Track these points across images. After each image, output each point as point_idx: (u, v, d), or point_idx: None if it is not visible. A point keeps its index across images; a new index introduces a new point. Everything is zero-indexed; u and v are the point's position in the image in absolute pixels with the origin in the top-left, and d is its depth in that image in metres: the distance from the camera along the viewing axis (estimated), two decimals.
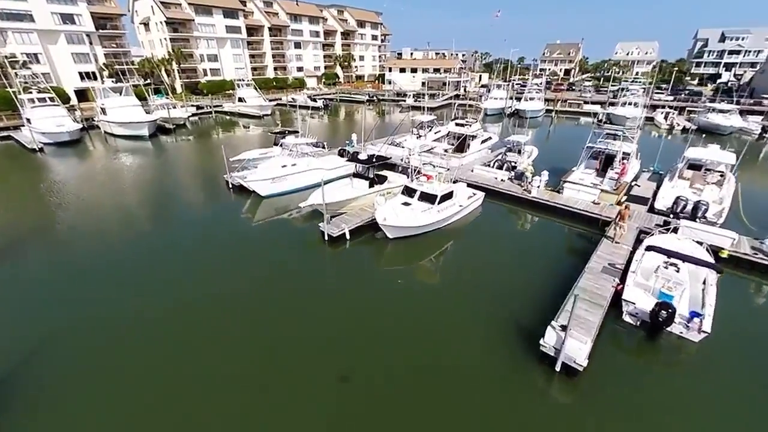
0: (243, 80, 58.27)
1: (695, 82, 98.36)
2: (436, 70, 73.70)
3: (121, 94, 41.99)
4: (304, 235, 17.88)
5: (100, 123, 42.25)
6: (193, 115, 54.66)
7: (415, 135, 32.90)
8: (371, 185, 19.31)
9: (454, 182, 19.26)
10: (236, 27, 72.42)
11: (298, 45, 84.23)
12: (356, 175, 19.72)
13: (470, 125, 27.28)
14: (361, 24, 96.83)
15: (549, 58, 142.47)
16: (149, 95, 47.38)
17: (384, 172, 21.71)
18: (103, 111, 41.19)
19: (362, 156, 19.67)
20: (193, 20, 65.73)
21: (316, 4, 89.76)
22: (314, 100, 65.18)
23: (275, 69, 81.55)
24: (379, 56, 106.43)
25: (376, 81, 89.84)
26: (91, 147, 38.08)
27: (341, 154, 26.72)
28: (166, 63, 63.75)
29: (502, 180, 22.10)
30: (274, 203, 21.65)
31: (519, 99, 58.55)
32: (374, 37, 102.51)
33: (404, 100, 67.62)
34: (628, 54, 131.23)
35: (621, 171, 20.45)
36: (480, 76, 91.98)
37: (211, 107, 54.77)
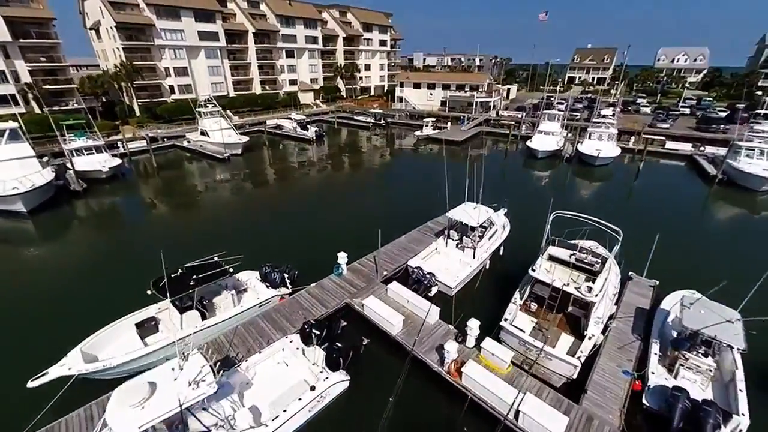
0: (208, 103, 43.93)
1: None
2: (460, 87, 58.81)
3: (3, 140, 28.11)
4: None
5: None
6: (135, 155, 40.72)
7: (455, 240, 18.37)
8: None
9: None
10: (212, 33, 58.45)
11: (290, 53, 69.97)
12: None
13: (596, 264, 12.50)
14: (367, 27, 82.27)
15: (579, 65, 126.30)
16: (64, 134, 33.41)
17: None
18: None
19: None
20: (154, 25, 51.84)
21: (314, 3, 75.50)
22: (304, 127, 50.79)
23: (262, 83, 67.40)
24: (389, 64, 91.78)
25: (385, 98, 74.95)
26: None
27: (305, 338, 12.15)
28: (118, 79, 49.90)
29: None
30: None
31: (566, 127, 43.77)
32: (383, 43, 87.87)
33: (420, 126, 52.84)
34: (673, 61, 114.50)
35: None
36: (508, 89, 76.71)
37: (148, 145, 39.91)
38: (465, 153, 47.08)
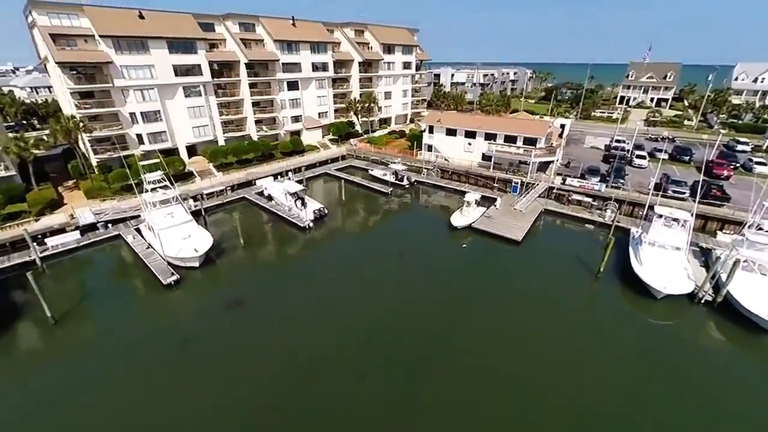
0: (156, 186, 31.10)
1: None
2: (510, 139, 44.19)
3: None
4: None
5: None
6: (60, 255, 28.43)
7: None
8: None
9: None
10: (192, 66, 46.18)
11: (293, 85, 57.08)
12: None
13: None
14: (388, 48, 68.39)
15: (634, 83, 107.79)
16: None
17: None
18: None
19: None
20: (111, 62, 39.89)
21: (325, 21, 62.36)
22: (301, 201, 37.54)
23: (258, 122, 54.82)
24: (413, 89, 77.70)
25: (409, 144, 59.73)
26: None
27: None
28: (56, 136, 38.12)
29: None
30: None
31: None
32: (406, 65, 73.79)
33: (459, 193, 38.72)
34: (756, 81, 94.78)
35: None
36: (562, 127, 60.58)
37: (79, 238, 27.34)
38: (523, 261, 31.07)
